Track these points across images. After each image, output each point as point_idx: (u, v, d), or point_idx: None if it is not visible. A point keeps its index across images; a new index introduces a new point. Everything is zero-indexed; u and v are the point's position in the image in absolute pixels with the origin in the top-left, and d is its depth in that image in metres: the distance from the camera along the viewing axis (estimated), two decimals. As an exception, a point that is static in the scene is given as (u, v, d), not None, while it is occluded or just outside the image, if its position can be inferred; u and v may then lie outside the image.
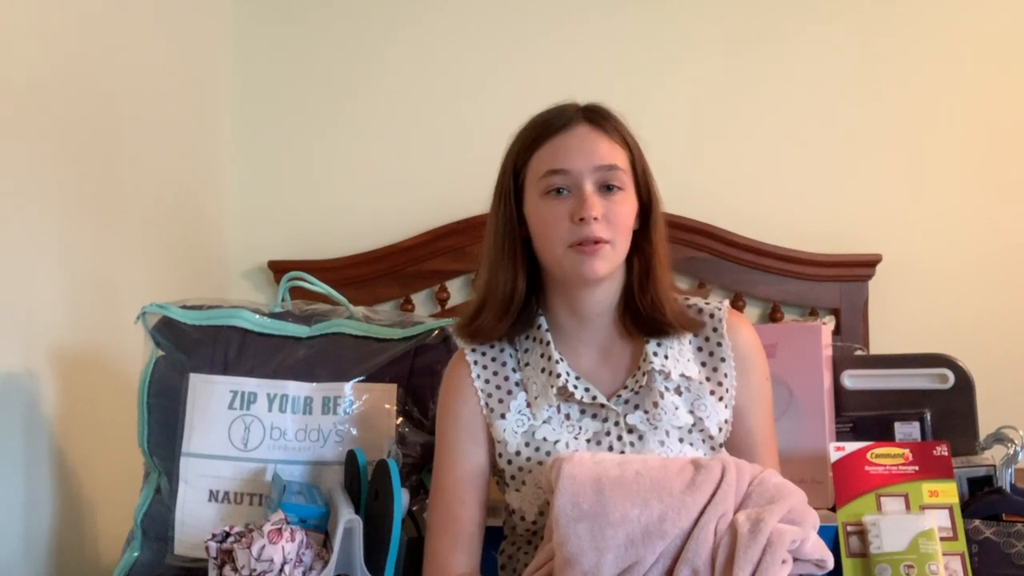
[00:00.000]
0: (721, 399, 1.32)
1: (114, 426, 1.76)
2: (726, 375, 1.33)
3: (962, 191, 2.45)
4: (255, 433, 1.51)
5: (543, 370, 1.33)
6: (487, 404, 1.35)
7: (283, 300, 1.66)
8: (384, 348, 1.56)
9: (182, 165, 2.29)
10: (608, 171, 1.27)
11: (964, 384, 1.59)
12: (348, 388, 1.52)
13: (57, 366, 1.73)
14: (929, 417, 1.57)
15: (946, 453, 1.39)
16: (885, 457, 1.41)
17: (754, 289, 2.45)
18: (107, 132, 1.93)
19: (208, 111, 2.46)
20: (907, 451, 1.40)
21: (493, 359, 1.38)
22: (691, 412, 1.30)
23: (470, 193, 2.55)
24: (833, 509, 1.39)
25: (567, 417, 1.31)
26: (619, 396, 1.31)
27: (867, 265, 2.42)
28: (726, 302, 1.40)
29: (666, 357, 1.32)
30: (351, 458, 1.44)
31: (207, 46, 2.46)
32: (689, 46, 2.52)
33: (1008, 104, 2.45)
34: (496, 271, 1.33)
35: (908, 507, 1.36)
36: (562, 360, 1.33)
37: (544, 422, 1.31)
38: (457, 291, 2.57)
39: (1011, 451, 1.46)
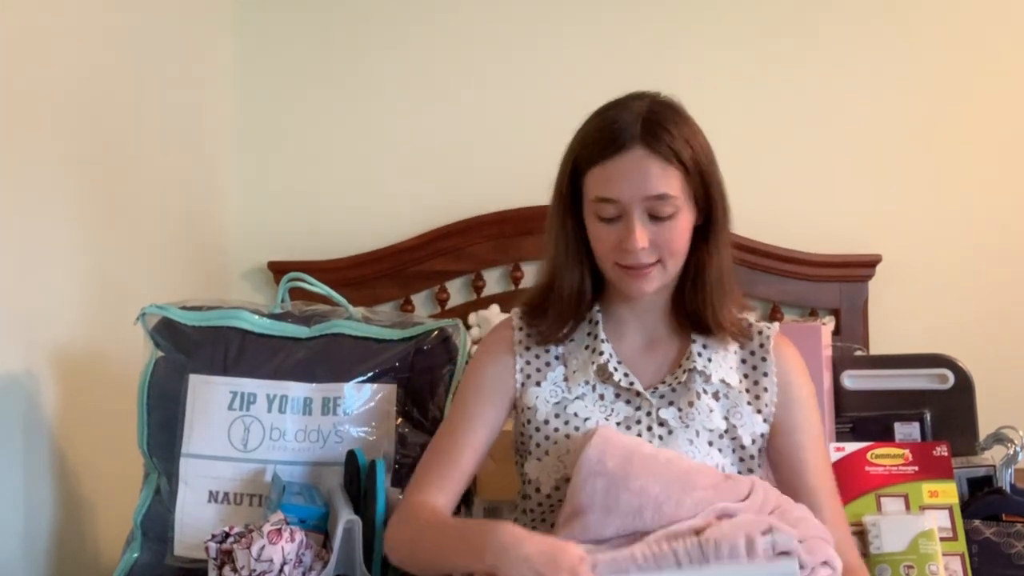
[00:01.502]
0: (759, 412, 1.31)
1: (114, 427, 1.76)
2: (766, 389, 1.32)
3: (962, 191, 2.45)
4: (255, 434, 1.51)
5: (587, 347, 1.34)
6: (523, 370, 1.35)
7: (283, 301, 1.66)
8: (384, 349, 1.56)
9: (182, 166, 2.29)
10: (656, 201, 1.24)
11: (964, 384, 1.59)
12: (348, 389, 1.52)
13: (57, 367, 1.73)
14: (929, 417, 1.57)
15: (946, 453, 1.40)
16: (885, 457, 1.41)
17: (754, 289, 2.45)
18: (107, 134, 1.93)
19: (208, 111, 2.46)
20: (907, 451, 1.41)
21: (542, 334, 1.37)
22: (726, 418, 1.29)
23: (470, 194, 2.57)
24: (833, 509, 1.39)
25: (601, 397, 1.31)
26: (656, 389, 1.31)
27: (867, 265, 2.42)
28: (776, 324, 1.39)
29: (709, 360, 1.31)
30: (351, 458, 1.44)
31: (207, 47, 2.46)
32: (688, 46, 2.52)
33: (1008, 105, 2.45)
34: (562, 272, 1.34)
35: (908, 507, 1.36)
36: (607, 341, 1.33)
37: (577, 397, 1.31)
38: (457, 292, 2.57)
39: (1011, 451, 1.47)
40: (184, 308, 1.59)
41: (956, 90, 2.46)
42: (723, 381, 1.31)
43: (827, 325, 1.67)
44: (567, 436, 1.29)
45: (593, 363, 1.32)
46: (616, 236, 1.26)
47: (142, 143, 2.08)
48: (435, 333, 1.58)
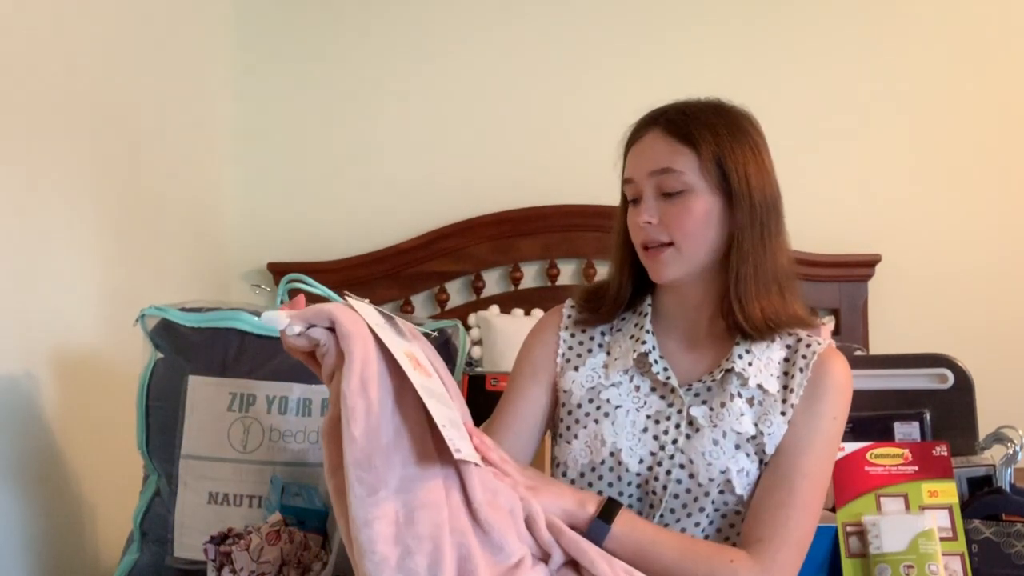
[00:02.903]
0: (788, 421, 1.29)
1: (114, 428, 1.76)
2: (792, 392, 1.29)
3: (962, 192, 2.45)
4: (254, 435, 1.51)
5: (632, 336, 1.35)
6: (564, 355, 1.37)
7: (282, 302, 1.66)
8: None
9: (183, 167, 2.29)
10: (661, 175, 1.27)
11: (963, 384, 1.58)
12: (347, 389, 1.52)
13: (57, 368, 1.73)
14: (929, 417, 1.56)
15: (945, 453, 1.39)
16: (885, 457, 1.41)
17: (754, 289, 2.45)
18: (107, 135, 1.93)
19: (208, 113, 2.46)
20: (907, 451, 1.40)
21: (587, 318, 1.41)
22: (755, 424, 1.28)
23: (470, 195, 2.58)
24: (833, 509, 1.39)
25: (636, 389, 1.32)
26: (691, 387, 1.32)
27: (867, 265, 2.42)
28: (830, 341, 1.36)
29: (750, 364, 1.30)
30: (350, 460, 1.44)
31: (207, 50, 2.46)
32: (687, 43, 2.52)
33: (1008, 105, 2.45)
34: (611, 269, 1.39)
35: (908, 507, 1.36)
36: (652, 334, 1.35)
37: (612, 385, 1.32)
38: (457, 292, 2.57)
39: (1010, 451, 1.46)
40: (183, 309, 1.59)
41: (957, 90, 2.46)
42: (760, 387, 1.29)
43: (827, 325, 1.67)
44: (596, 421, 1.30)
45: (635, 351, 1.33)
46: (635, 215, 1.29)
47: (143, 144, 2.08)
48: (434, 334, 1.58)
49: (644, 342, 1.33)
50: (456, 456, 1.01)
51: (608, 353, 1.36)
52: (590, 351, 1.37)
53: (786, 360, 1.32)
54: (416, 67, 2.58)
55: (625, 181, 1.31)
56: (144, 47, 2.10)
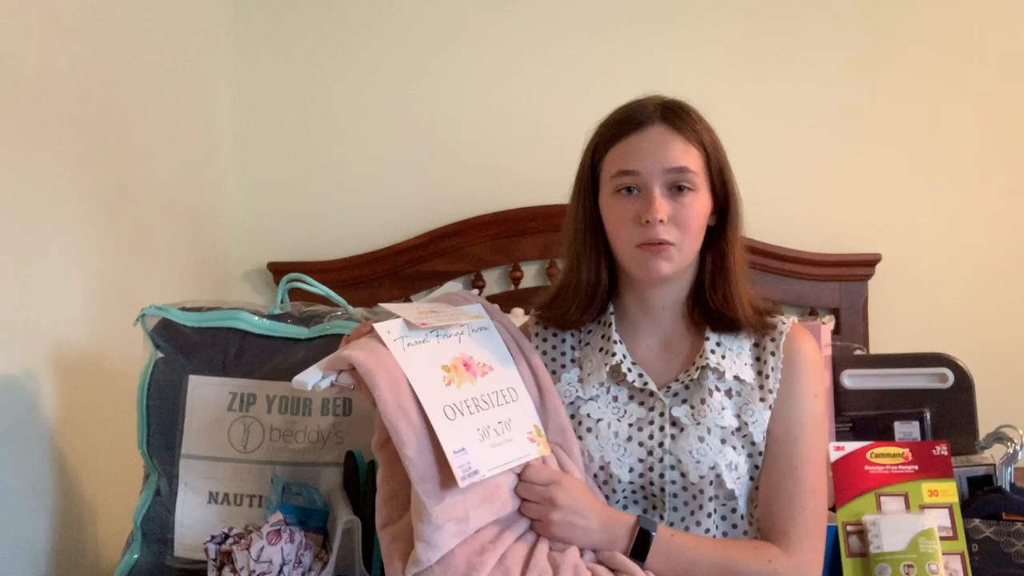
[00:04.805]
0: (771, 407, 1.31)
1: (114, 428, 1.76)
2: (769, 378, 1.32)
3: (962, 191, 2.45)
4: (254, 434, 1.51)
5: (600, 349, 1.35)
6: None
7: (282, 302, 1.66)
8: (383, 349, 1.55)
9: (182, 167, 2.29)
10: (677, 173, 1.27)
11: (963, 383, 1.59)
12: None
13: (57, 367, 1.73)
14: (929, 416, 1.57)
15: (946, 452, 1.39)
16: (885, 456, 1.41)
17: (753, 288, 2.45)
18: (108, 134, 1.93)
19: (208, 112, 2.46)
20: (907, 450, 1.40)
21: (554, 334, 1.40)
22: (737, 416, 1.29)
23: (469, 194, 2.58)
24: (833, 509, 1.39)
25: (615, 399, 1.32)
26: (669, 388, 1.32)
27: (867, 265, 2.42)
28: (793, 318, 1.39)
29: (723, 357, 1.31)
30: (350, 459, 1.44)
31: (206, 49, 2.46)
32: (687, 45, 2.52)
33: (1008, 104, 2.45)
34: (579, 263, 1.35)
35: (908, 506, 1.36)
36: (620, 343, 1.34)
37: (591, 399, 1.32)
38: (457, 292, 2.56)
39: (1011, 450, 1.46)
40: (184, 309, 1.59)
41: (956, 90, 2.46)
42: (737, 378, 1.31)
43: (827, 324, 1.67)
44: (580, 438, 1.30)
45: (606, 364, 1.32)
46: (635, 211, 1.27)
47: (142, 143, 2.08)
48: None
49: (613, 353, 1.32)
50: (461, 483, 1.12)
51: (581, 368, 1.36)
52: (563, 366, 1.36)
53: (756, 346, 1.35)
54: (415, 66, 2.58)
55: (624, 172, 1.28)
56: (144, 47, 2.10)
